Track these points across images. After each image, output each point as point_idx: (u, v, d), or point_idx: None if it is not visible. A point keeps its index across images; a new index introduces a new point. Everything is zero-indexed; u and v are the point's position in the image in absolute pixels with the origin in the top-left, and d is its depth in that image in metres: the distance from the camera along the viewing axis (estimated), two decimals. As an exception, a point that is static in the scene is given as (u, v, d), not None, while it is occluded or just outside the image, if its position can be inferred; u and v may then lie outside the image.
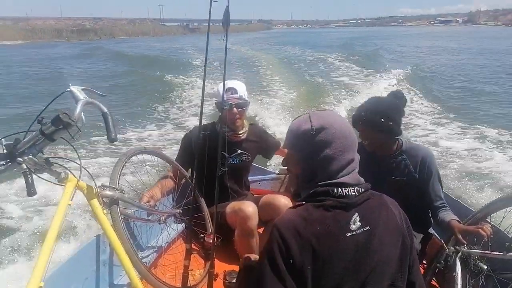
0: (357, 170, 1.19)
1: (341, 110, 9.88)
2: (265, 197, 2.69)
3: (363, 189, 1.15)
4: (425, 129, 9.14)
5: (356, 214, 1.12)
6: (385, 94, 2.29)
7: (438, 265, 1.97)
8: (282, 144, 2.94)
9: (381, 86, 13.45)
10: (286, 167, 3.68)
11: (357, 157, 1.20)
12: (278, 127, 8.28)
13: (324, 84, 15.33)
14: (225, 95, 2.41)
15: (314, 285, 1.08)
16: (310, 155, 1.18)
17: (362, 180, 1.19)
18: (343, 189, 1.12)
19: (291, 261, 1.07)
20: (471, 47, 35.33)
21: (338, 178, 1.14)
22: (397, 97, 2.18)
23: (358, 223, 1.11)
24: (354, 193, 1.13)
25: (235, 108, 2.49)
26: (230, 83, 2.51)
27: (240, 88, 2.53)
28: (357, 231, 1.10)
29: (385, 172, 2.15)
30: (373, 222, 1.13)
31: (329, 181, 1.14)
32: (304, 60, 24.91)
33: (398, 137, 2.17)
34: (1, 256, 3.78)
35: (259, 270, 1.12)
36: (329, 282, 1.09)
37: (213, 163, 1.99)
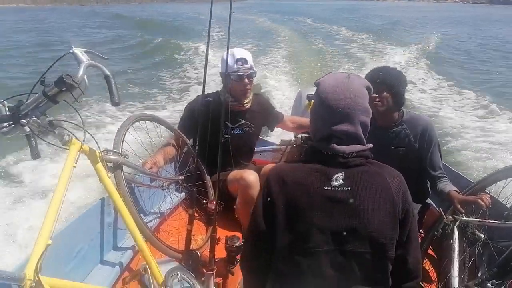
0: (352, 134, 1.21)
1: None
2: (266, 166, 2.71)
3: (355, 154, 1.19)
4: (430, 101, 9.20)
5: (342, 174, 1.17)
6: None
7: (436, 233, 2.01)
8: (284, 117, 2.96)
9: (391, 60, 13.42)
10: (287, 139, 3.67)
11: (349, 124, 1.20)
12: (284, 96, 8.28)
13: (333, 54, 15.54)
14: (235, 66, 2.37)
15: (287, 224, 1.18)
16: (312, 108, 1.31)
17: (361, 147, 1.21)
18: (332, 148, 1.18)
19: (269, 199, 1.21)
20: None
21: (328, 134, 1.21)
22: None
23: (341, 181, 1.16)
24: (342, 154, 1.18)
25: (246, 79, 2.46)
26: (239, 52, 2.44)
27: (249, 57, 2.47)
28: (337, 188, 1.15)
29: (385, 141, 2.16)
30: (357, 185, 1.16)
31: (321, 137, 1.23)
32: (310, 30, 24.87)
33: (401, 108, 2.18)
34: (13, 215, 3.93)
35: None
36: (299, 225, 1.17)
37: (216, 132, 1.99)
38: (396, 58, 14.13)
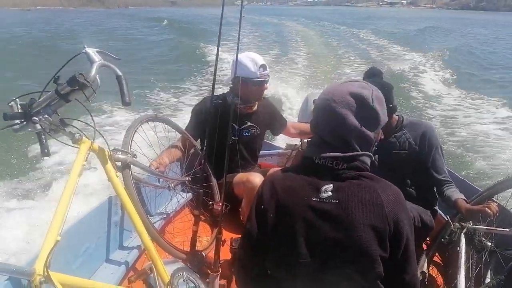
0: (340, 138, 1.16)
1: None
2: (272, 170, 2.72)
3: (346, 165, 1.14)
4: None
5: (331, 185, 1.13)
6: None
7: (442, 240, 2.00)
8: (287, 123, 2.97)
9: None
10: (293, 143, 3.67)
11: (339, 128, 1.15)
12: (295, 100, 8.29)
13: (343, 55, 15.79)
14: (258, 72, 2.44)
15: (274, 231, 1.19)
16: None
17: (351, 155, 1.15)
18: (321, 158, 1.15)
19: (262, 206, 1.21)
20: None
21: (319, 138, 1.20)
22: (376, 74, 2.16)
23: (329, 193, 1.12)
24: (331, 165, 1.14)
25: (266, 85, 2.53)
26: (259, 59, 2.49)
27: (266, 64, 2.54)
28: (325, 200, 1.12)
29: (388, 148, 2.15)
30: (346, 199, 1.11)
31: (313, 142, 1.22)
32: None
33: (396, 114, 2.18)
34: (22, 211, 4.00)
35: None
36: (286, 235, 1.16)
37: (223, 133, 2.00)
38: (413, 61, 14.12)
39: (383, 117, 1.20)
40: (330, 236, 1.11)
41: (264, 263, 1.24)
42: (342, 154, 1.14)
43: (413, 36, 24.19)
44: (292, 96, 8.78)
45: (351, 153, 1.15)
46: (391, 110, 2.09)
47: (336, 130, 1.16)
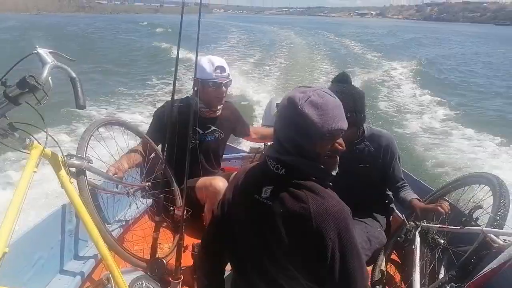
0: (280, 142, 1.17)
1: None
2: (236, 173, 2.71)
3: (284, 171, 1.15)
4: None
5: (271, 187, 1.16)
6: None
7: (398, 239, 2.07)
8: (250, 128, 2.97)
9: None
10: (256, 146, 3.68)
11: (280, 131, 1.17)
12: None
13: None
14: (214, 74, 2.39)
15: (230, 222, 1.30)
16: None
17: (288, 162, 1.15)
18: (269, 160, 1.19)
19: (225, 195, 1.35)
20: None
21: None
22: (347, 81, 2.05)
23: (268, 194, 1.16)
24: (272, 169, 1.17)
25: (223, 87, 2.48)
26: (217, 60, 2.46)
27: (227, 66, 2.49)
28: (263, 200, 1.16)
29: (350, 160, 1.94)
30: (277, 205, 1.13)
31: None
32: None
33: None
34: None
35: None
36: (236, 225, 1.27)
37: (185, 138, 1.97)
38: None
39: (322, 126, 1.09)
40: (257, 235, 1.18)
41: (222, 244, 1.36)
42: (279, 157, 1.16)
43: (387, 46, 25.30)
44: (263, 101, 8.83)
45: (285, 157, 1.15)
46: (362, 120, 2.05)
47: (276, 133, 1.20)
